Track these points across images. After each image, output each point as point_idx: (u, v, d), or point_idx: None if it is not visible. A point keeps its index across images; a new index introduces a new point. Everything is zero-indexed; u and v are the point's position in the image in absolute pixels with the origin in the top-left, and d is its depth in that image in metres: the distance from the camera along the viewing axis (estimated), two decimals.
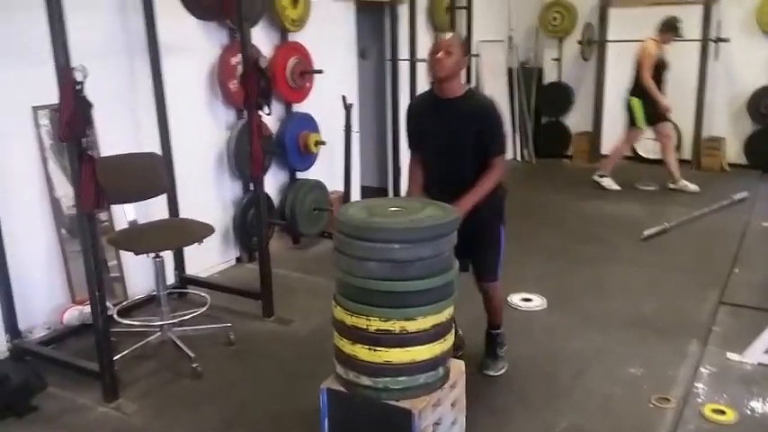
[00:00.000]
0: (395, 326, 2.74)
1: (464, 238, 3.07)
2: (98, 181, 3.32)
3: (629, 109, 8.14)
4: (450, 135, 3.55)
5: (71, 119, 3.20)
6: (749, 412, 3.49)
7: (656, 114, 7.98)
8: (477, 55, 8.79)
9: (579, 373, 3.91)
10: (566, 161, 10.15)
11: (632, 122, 8.18)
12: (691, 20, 8.89)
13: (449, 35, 3.64)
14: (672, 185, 8.23)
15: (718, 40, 8.95)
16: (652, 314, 4.71)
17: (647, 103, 7.95)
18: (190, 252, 4.91)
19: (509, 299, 4.86)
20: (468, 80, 8.33)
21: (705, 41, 8.95)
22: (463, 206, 3.38)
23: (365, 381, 2.83)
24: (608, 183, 8.32)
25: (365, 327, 2.77)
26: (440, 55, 3.45)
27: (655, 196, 8.10)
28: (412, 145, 3.87)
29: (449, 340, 2.94)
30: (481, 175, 3.56)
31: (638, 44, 8.04)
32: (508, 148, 10.00)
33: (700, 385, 3.75)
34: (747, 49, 8.99)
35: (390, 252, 2.69)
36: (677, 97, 9.39)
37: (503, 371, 3.90)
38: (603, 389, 3.75)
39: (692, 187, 8.10)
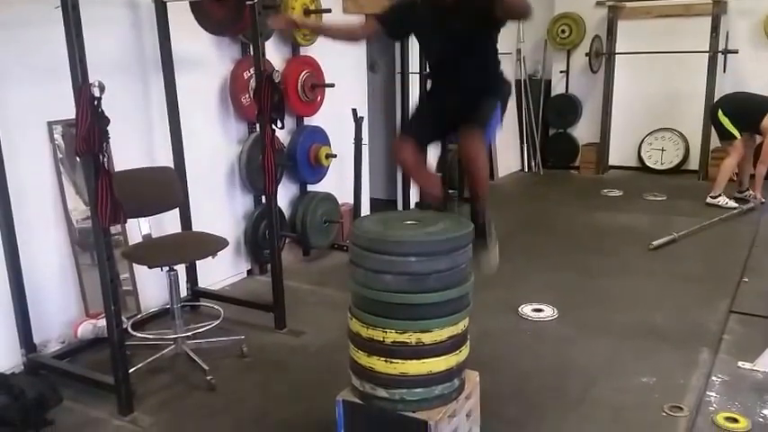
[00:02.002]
0: (411, 338, 2.76)
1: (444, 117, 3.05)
2: (115, 195, 3.34)
3: (719, 124, 7.93)
4: (451, 33, 3.37)
5: (88, 134, 3.23)
6: (762, 420, 3.48)
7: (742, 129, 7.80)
8: None
9: (591, 383, 3.91)
10: (573, 172, 10.17)
11: (725, 136, 7.94)
12: (699, 32, 8.95)
13: None
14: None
15: (727, 51, 8.97)
16: (662, 324, 4.71)
17: (736, 120, 7.77)
18: (201, 265, 4.94)
19: (520, 309, 4.88)
20: None
21: (713, 53, 8.97)
22: None
23: (381, 392, 2.85)
24: (724, 201, 7.90)
25: (381, 339, 2.79)
26: None
27: (663, 206, 8.11)
28: (381, 18, 3.64)
29: (464, 351, 2.96)
30: (494, 55, 3.50)
31: None
32: (515, 160, 10.08)
33: (712, 394, 3.75)
34: (756, 61, 9.01)
35: (407, 265, 2.71)
36: (685, 108, 9.46)
37: (496, 246, 3.63)
38: (615, 398, 3.75)
39: (732, 204, 7.86)
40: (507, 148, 9.93)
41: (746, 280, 5.46)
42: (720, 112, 7.85)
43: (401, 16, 3.62)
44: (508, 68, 9.56)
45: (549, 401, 3.74)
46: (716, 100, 8.38)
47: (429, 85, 3.82)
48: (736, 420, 3.45)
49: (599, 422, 3.53)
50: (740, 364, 4.06)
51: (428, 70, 3.82)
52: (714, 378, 3.92)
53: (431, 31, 3.51)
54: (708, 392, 3.76)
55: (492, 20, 3.28)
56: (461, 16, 3.31)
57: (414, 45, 6.53)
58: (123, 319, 3.88)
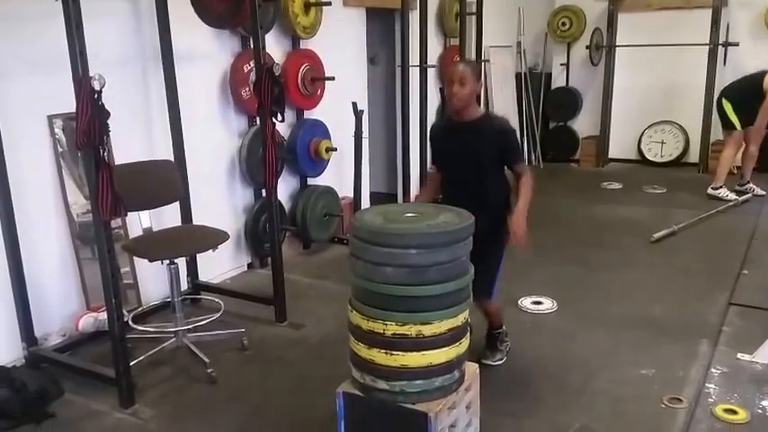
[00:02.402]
0: (411, 330, 2.76)
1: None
2: (115, 189, 3.35)
3: (722, 112, 7.91)
4: (471, 155, 3.78)
5: (88, 127, 3.23)
6: (760, 411, 3.50)
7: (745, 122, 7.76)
8: (487, 60, 8.84)
9: (590, 375, 3.93)
10: (573, 165, 10.18)
11: (726, 125, 7.94)
12: (699, 24, 8.94)
13: (460, 66, 3.79)
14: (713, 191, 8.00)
15: (727, 44, 8.97)
16: (662, 316, 4.73)
17: (739, 108, 7.75)
18: (202, 258, 4.96)
19: (519, 302, 4.89)
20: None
21: (714, 46, 8.97)
22: (521, 215, 3.70)
23: (381, 384, 2.85)
24: (724, 193, 7.90)
25: (382, 331, 2.79)
26: (455, 89, 3.68)
27: (662, 199, 8.12)
28: (434, 161, 4.12)
29: (464, 344, 2.97)
30: (501, 189, 3.85)
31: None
32: None
33: (711, 385, 3.77)
34: (756, 53, 8.98)
35: (407, 257, 2.71)
36: (685, 101, 9.46)
37: (499, 362, 4.05)
38: (615, 390, 3.77)
39: (732, 196, 7.86)
40: None
41: (746, 272, 5.48)
42: (724, 100, 7.86)
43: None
44: (508, 62, 9.58)
45: (549, 393, 3.75)
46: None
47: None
48: (735, 412, 3.47)
49: (598, 414, 3.54)
50: (739, 355, 4.07)
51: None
52: (713, 370, 3.93)
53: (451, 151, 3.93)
54: (707, 384, 3.77)
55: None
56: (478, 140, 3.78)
57: (414, 37, 6.56)
58: (124, 312, 3.89)
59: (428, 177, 4.21)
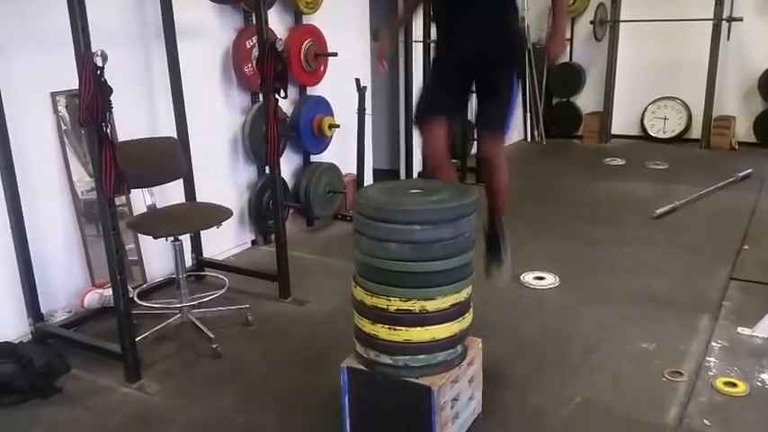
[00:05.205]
0: (415, 305, 2.79)
1: (463, 83, 3.04)
2: (118, 166, 3.36)
3: None
4: None
5: (91, 104, 3.23)
6: (760, 384, 3.54)
7: None
8: None
9: (592, 350, 3.96)
10: (576, 141, 10.17)
11: None
12: None
13: None
14: None
15: (731, 19, 8.92)
16: (663, 291, 4.75)
17: None
18: (206, 235, 4.97)
19: (522, 277, 4.91)
20: None
21: (717, 21, 8.92)
22: (558, 34, 3.52)
23: (385, 359, 2.88)
24: None
25: (385, 307, 2.81)
26: None
27: (664, 175, 8.12)
28: None
29: (467, 319, 2.99)
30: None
31: None
32: (518, 129, 10.05)
33: (711, 359, 3.80)
34: (760, 29, 8.95)
35: (411, 233, 2.72)
36: (688, 77, 9.43)
37: (508, 270, 3.87)
38: (616, 364, 3.80)
39: None
40: None
41: (746, 247, 5.50)
42: None
43: None
44: None
45: (550, 367, 3.79)
46: None
47: (439, 44, 3.77)
48: (734, 385, 3.50)
49: (599, 387, 3.57)
50: (739, 329, 4.11)
51: (437, 22, 3.73)
52: (714, 344, 3.96)
53: None
54: (707, 358, 3.81)
55: None
56: None
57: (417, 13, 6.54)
58: (129, 288, 3.91)
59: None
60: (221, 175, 5.45)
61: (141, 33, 4.63)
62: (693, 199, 6.83)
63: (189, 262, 4.95)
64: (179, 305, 4.23)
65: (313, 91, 6.12)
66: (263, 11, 4.26)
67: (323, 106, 6.09)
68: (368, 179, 6.71)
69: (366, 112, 6.24)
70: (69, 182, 4.31)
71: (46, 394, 3.57)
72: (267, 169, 5.25)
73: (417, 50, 6.79)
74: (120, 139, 4.27)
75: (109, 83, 3.27)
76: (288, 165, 6.02)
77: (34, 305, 4.07)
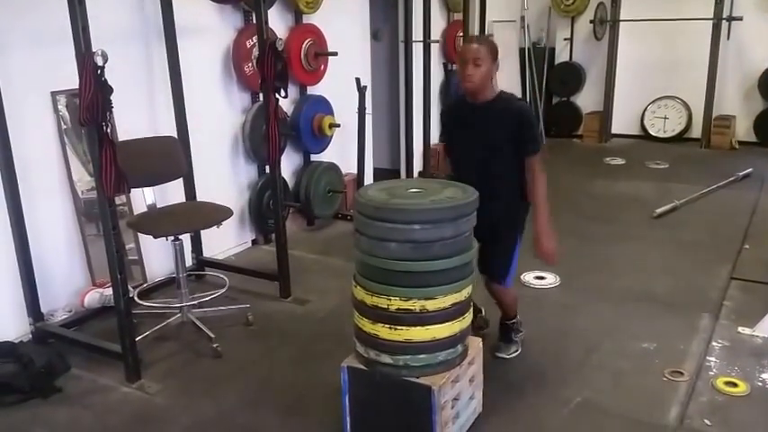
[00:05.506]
0: (415, 305, 2.79)
1: (478, 238, 3.15)
2: (118, 165, 3.35)
3: None
4: (484, 137, 3.55)
5: (91, 103, 3.22)
6: (760, 384, 3.54)
7: None
8: (491, 35, 8.80)
9: (592, 349, 3.96)
10: (576, 141, 10.16)
11: None
12: None
13: (474, 45, 3.49)
14: None
15: (731, 18, 8.91)
16: (664, 290, 4.75)
17: None
18: (206, 235, 4.97)
19: (522, 277, 4.91)
20: None
21: (717, 20, 8.91)
22: (545, 231, 3.60)
23: (386, 359, 2.88)
24: None
25: (386, 306, 2.81)
26: (468, 70, 3.41)
27: (665, 174, 8.12)
28: (445, 140, 3.95)
29: (467, 318, 2.99)
30: (515, 175, 3.59)
31: None
32: None
33: (712, 359, 3.80)
34: (760, 28, 8.95)
35: (411, 233, 2.72)
36: (688, 76, 9.42)
37: (514, 354, 3.90)
38: (616, 364, 3.80)
39: None
40: None
41: (747, 247, 5.50)
42: None
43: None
44: (512, 36, 9.53)
45: (551, 367, 3.79)
46: None
47: None
48: (735, 385, 3.51)
49: (600, 387, 3.57)
50: (740, 329, 4.11)
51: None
52: (714, 343, 3.96)
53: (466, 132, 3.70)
54: (708, 357, 3.81)
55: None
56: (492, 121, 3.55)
57: (417, 12, 6.55)
58: (129, 288, 3.91)
59: (444, 152, 4.04)
60: (221, 175, 5.44)
61: (142, 33, 4.63)
62: (694, 198, 6.83)
63: (189, 261, 4.95)
64: (179, 305, 4.23)
65: (313, 90, 6.12)
66: (263, 10, 4.27)
67: (323, 106, 6.09)
68: (368, 178, 6.71)
69: (366, 111, 6.23)
70: (69, 181, 4.31)
71: (46, 394, 3.57)
72: (267, 169, 5.26)
73: (417, 50, 6.78)
74: (120, 139, 4.27)
75: (109, 82, 3.27)
76: (288, 164, 6.02)
77: (34, 305, 4.07)
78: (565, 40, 10.24)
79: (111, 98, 3.30)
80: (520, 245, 3.76)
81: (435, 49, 7.63)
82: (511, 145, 3.51)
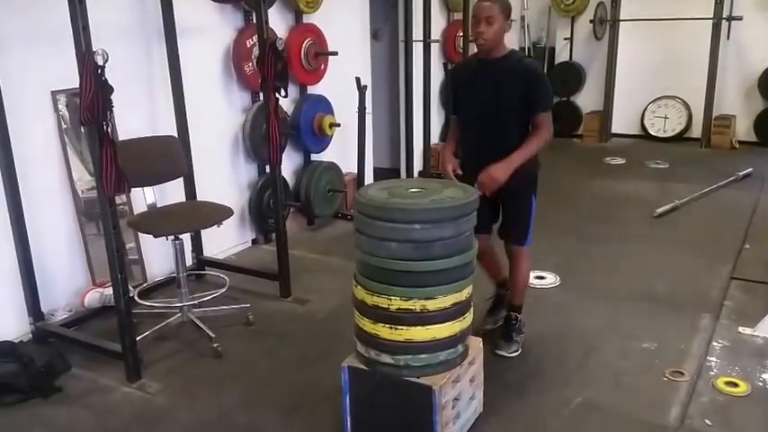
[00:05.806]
0: (415, 305, 2.78)
1: (493, 204, 3.13)
2: (119, 165, 3.35)
3: None
4: (494, 94, 3.56)
5: (92, 103, 3.22)
6: (761, 384, 3.54)
7: None
8: None
9: (593, 349, 3.95)
10: (576, 141, 10.16)
11: None
12: None
13: (487, 3, 3.45)
14: None
15: (731, 18, 8.91)
16: (664, 290, 4.75)
17: None
18: (206, 234, 4.97)
19: None
20: None
21: (717, 20, 8.91)
22: (506, 167, 3.46)
23: (386, 358, 2.88)
24: None
25: (386, 306, 2.81)
26: (481, 27, 3.44)
27: (665, 174, 8.12)
28: (454, 106, 3.88)
29: (468, 318, 2.99)
30: (524, 132, 3.63)
31: None
32: None
33: (712, 359, 3.80)
34: (760, 27, 8.95)
35: (411, 232, 2.72)
36: (688, 76, 9.42)
37: (515, 354, 3.89)
38: (617, 364, 3.80)
39: None
40: None
41: (747, 247, 5.50)
42: None
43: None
44: (512, 36, 9.53)
45: (551, 367, 3.79)
46: None
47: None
48: (736, 385, 3.51)
49: (601, 387, 3.57)
50: (741, 329, 4.11)
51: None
52: (715, 343, 3.96)
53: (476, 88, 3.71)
54: (708, 357, 3.80)
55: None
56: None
57: (418, 12, 6.55)
58: (130, 287, 3.90)
59: (449, 130, 4.01)
60: (222, 174, 5.44)
61: (142, 32, 4.62)
62: (694, 198, 6.83)
63: (189, 261, 4.94)
64: (179, 304, 4.23)
65: (313, 90, 6.12)
66: (263, 10, 4.27)
67: (323, 105, 6.09)
68: (368, 178, 6.71)
69: (366, 111, 6.23)
70: (70, 181, 4.31)
71: (46, 394, 3.56)
72: (268, 168, 5.25)
73: (417, 50, 6.78)
74: (120, 138, 4.26)
75: (110, 81, 3.27)
76: (288, 164, 6.02)
77: (35, 304, 4.07)
78: (565, 39, 10.24)
79: (112, 98, 3.29)
80: (535, 204, 3.78)
81: (435, 49, 7.63)
82: (519, 101, 3.53)
